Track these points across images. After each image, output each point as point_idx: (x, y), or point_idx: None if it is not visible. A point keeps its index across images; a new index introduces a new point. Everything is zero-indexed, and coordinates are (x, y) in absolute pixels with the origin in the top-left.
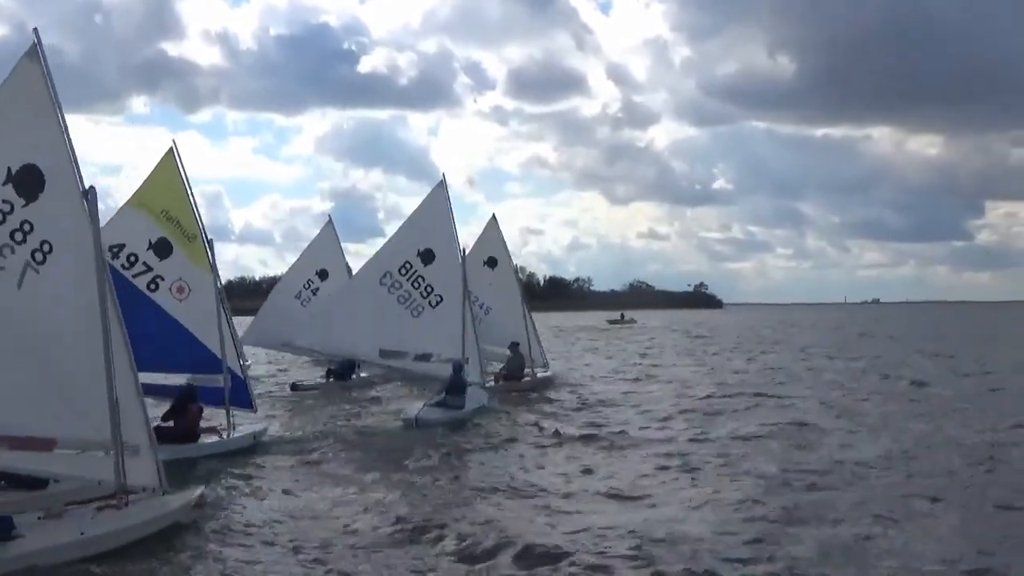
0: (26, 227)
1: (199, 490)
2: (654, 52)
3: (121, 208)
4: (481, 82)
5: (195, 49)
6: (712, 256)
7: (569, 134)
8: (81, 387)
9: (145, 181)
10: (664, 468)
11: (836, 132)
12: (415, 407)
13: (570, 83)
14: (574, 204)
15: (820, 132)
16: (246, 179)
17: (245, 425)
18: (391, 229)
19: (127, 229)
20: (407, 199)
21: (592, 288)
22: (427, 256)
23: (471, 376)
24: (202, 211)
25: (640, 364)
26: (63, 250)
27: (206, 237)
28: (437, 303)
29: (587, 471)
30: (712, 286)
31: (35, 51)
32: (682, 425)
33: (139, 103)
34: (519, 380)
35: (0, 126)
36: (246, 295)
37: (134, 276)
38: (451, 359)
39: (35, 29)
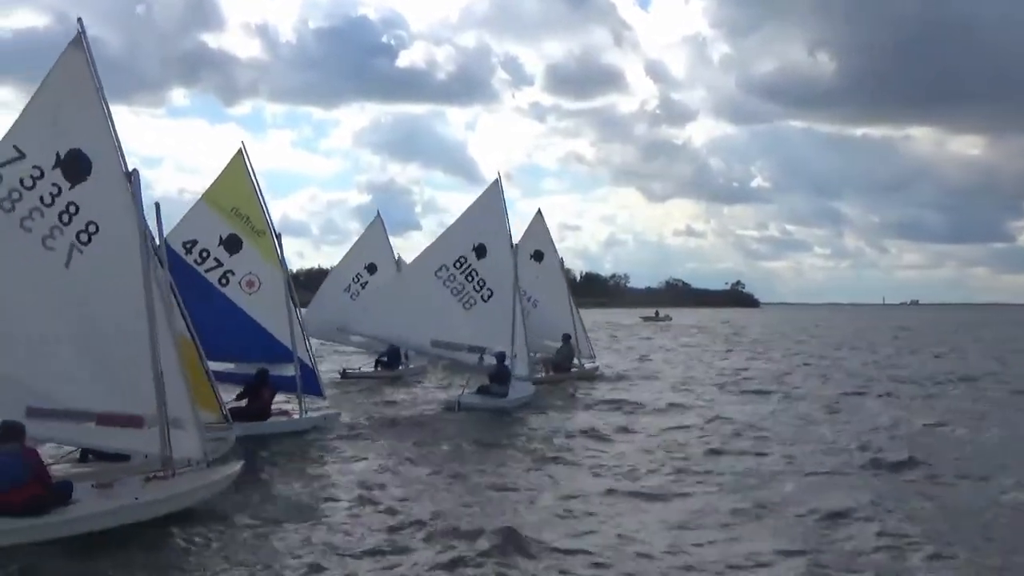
0: (72, 208)
1: (239, 465)
2: (693, 49)
3: (193, 206)
4: (519, 77)
5: (235, 42)
6: (749, 254)
7: (607, 130)
8: (136, 364)
9: (216, 180)
10: (696, 471)
11: (876, 132)
12: (460, 393)
13: (608, 79)
14: (611, 200)
15: (860, 132)
16: (284, 172)
17: (318, 410)
18: (428, 223)
19: (199, 226)
20: (444, 193)
21: (629, 285)
22: (480, 251)
23: (518, 370)
24: None
25: (674, 363)
26: (108, 230)
27: (275, 232)
28: (488, 297)
29: (618, 472)
30: (749, 285)
31: (79, 40)
32: (701, 420)
33: (179, 95)
34: (567, 371)
35: (48, 114)
36: None
37: (206, 271)
38: (500, 351)
39: (79, 19)
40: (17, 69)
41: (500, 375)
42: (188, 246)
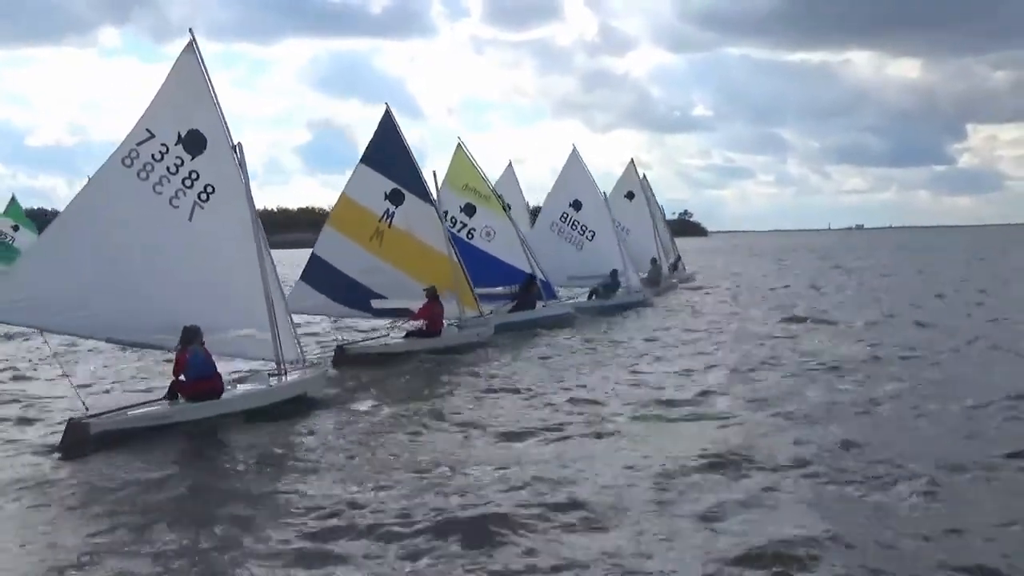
0: (193, 175)
1: (328, 366)
2: None
3: (439, 189)
4: (456, 10)
5: None
6: (694, 183)
7: (546, 61)
8: (248, 292)
9: (448, 168)
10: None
11: (814, 57)
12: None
13: (546, 9)
14: (554, 132)
15: (797, 57)
16: (224, 112)
17: (559, 305)
18: None
19: (446, 202)
20: None
21: None
22: (577, 205)
23: (633, 282)
24: None
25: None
26: (222, 191)
27: (498, 195)
28: (592, 237)
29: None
30: (696, 214)
31: (191, 46)
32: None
33: (110, 35)
34: (657, 284)
35: (170, 104)
36: None
37: (457, 231)
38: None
39: (191, 29)
40: None
41: (607, 286)
42: (444, 215)
